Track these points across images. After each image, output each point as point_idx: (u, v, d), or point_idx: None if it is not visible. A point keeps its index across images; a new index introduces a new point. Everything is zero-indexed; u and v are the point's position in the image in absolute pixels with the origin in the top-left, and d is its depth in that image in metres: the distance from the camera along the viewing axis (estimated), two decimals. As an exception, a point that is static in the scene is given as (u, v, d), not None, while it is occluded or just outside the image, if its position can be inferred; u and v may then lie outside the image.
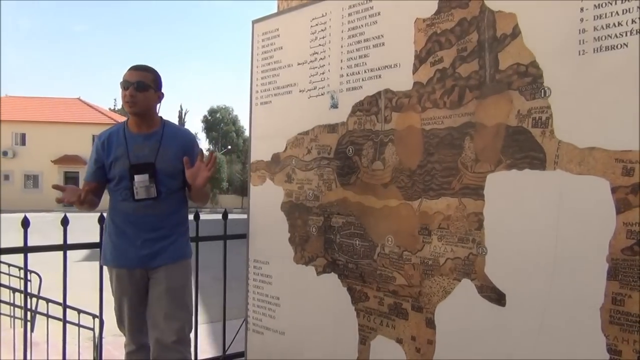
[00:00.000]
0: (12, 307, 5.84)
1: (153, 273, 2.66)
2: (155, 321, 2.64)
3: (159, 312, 2.62)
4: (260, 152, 3.19)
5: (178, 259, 2.69)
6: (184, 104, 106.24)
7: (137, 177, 2.55)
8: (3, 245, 2.79)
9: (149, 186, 2.56)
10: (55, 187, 2.52)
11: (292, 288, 3.00)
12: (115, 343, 5.12)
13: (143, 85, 2.56)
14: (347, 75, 2.70)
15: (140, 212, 2.60)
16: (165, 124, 2.72)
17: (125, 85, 2.56)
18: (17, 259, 3.28)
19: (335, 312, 2.75)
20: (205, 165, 2.55)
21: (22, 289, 3.79)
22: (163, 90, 2.73)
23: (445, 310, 2.28)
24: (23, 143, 37.57)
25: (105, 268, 2.81)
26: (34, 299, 5.45)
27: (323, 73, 2.83)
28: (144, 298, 2.69)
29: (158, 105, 2.70)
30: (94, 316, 4.91)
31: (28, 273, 3.14)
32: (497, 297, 2.09)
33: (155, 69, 2.72)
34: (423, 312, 2.36)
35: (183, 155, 2.62)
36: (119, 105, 58.20)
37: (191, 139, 2.80)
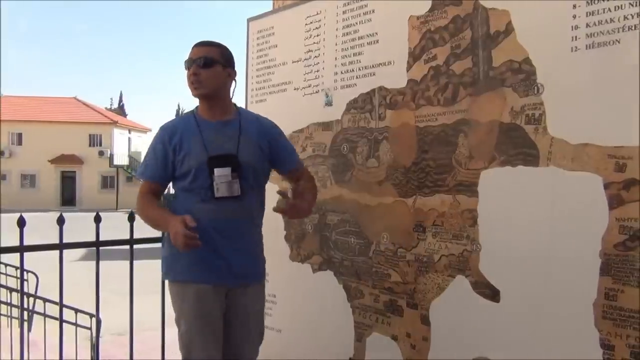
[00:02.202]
0: (9, 307, 5.84)
1: (238, 291, 2.24)
2: (235, 347, 2.28)
3: (241, 337, 2.28)
4: (255, 150, 3.18)
5: (264, 277, 2.39)
6: (181, 102, 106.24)
7: (217, 171, 2.14)
8: (-1, 245, 2.78)
9: (232, 182, 2.15)
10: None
11: (288, 286, 3.01)
12: (113, 342, 5.13)
13: (208, 60, 2.17)
14: (342, 72, 2.70)
15: (222, 216, 2.17)
16: (240, 110, 2.35)
17: (188, 64, 2.20)
18: (14, 258, 3.28)
19: (331, 309, 2.75)
20: (300, 204, 2.18)
21: (19, 288, 3.79)
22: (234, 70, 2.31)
23: (440, 307, 2.29)
24: (20, 143, 37.46)
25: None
26: (31, 299, 5.44)
27: (317, 71, 2.83)
28: (222, 319, 2.24)
29: (232, 89, 2.30)
30: (91, 315, 4.90)
31: (24, 272, 3.13)
32: (491, 294, 2.09)
33: (225, 45, 2.30)
34: (418, 309, 2.37)
35: (268, 146, 2.28)
36: (115, 105, 58.19)
37: (273, 125, 2.40)
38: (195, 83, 2.19)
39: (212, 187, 2.15)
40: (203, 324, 2.17)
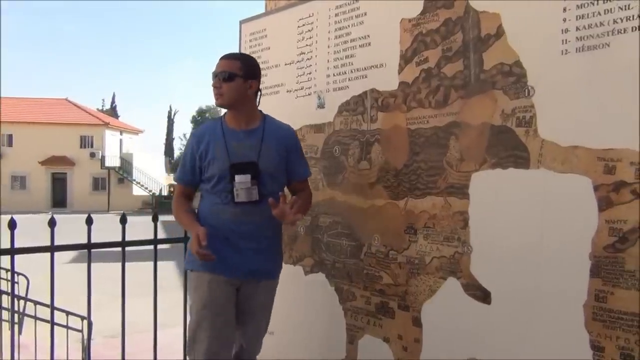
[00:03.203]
0: (-1, 310, 5.80)
1: (249, 286, 2.40)
2: (246, 337, 2.47)
3: (251, 327, 2.46)
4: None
5: (277, 275, 2.51)
6: (173, 104, 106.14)
7: (237, 178, 2.30)
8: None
9: (251, 188, 2.30)
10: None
11: (281, 288, 3.00)
12: (105, 345, 5.10)
13: (227, 75, 2.32)
14: (334, 75, 2.71)
15: (240, 219, 2.33)
16: (265, 118, 2.46)
17: (212, 76, 2.37)
18: (4, 261, 3.26)
19: (324, 311, 2.76)
20: (290, 209, 2.21)
21: (9, 291, 3.77)
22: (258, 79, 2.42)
23: (432, 309, 2.29)
24: (10, 144, 37.23)
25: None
26: (22, 301, 5.40)
27: (310, 73, 2.84)
28: (233, 310, 2.40)
29: (257, 98, 2.43)
30: (82, 318, 4.88)
31: (15, 275, 3.11)
32: (482, 296, 2.10)
33: (251, 57, 2.52)
34: (409, 311, 2.37)
35: (285, 153, 2.42)
36: (107, 106, 57.98)
37: (293, 135, 2.51)
38: (217, 95, 2.36)
39: (233, 192, 2.32)
40: (213, 312, 2.31)
